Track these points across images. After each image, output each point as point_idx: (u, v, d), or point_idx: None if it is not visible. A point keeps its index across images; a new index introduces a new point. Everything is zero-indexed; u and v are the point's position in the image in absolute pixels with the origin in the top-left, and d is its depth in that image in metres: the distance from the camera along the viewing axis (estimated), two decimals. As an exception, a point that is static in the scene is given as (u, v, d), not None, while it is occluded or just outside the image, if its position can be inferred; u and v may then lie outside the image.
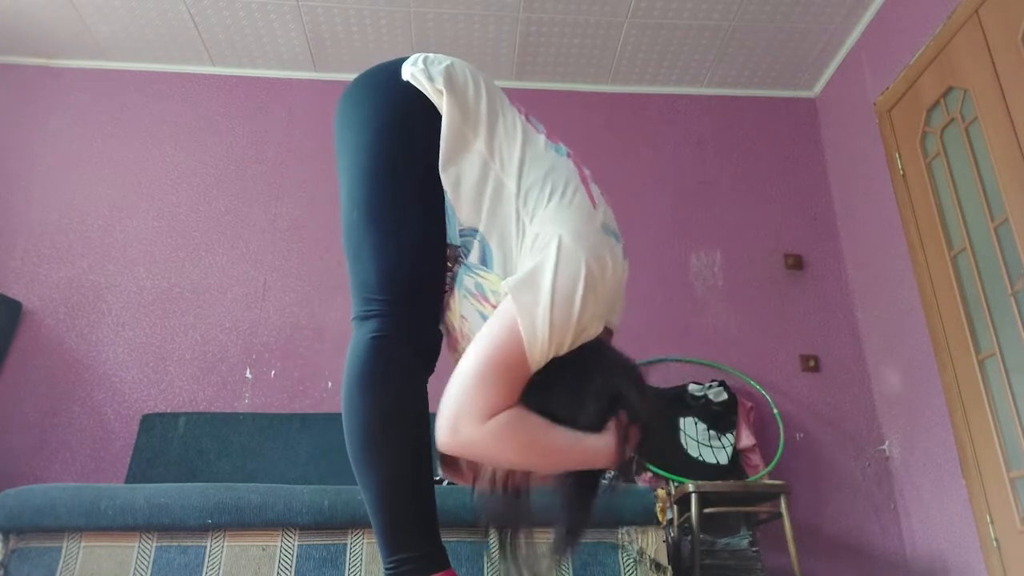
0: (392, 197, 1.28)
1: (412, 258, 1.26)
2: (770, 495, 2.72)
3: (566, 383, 1.16)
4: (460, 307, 1.29)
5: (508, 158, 1.26)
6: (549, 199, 1.22)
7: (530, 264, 1.15)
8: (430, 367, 1.29)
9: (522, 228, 1.22)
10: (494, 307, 1.21)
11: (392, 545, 1.18)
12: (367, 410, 1.20)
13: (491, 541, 2.11)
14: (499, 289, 1.21)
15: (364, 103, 1.36)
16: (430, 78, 1.30)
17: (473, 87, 1.32)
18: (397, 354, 1.22)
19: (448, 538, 2.09)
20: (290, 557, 2.05)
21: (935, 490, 2.90)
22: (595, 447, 1.15)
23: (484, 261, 1.26)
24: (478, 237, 1.26)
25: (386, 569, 1.20)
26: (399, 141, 1.29)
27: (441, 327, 1.36)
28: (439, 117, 1.28)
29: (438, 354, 1.32)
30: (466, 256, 1.29)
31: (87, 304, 3.25)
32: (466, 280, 1.28)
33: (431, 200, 1.27)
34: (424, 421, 1.24)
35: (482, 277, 1.26)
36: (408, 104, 1.30)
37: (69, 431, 3.04)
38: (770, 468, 3.01)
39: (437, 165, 1.26)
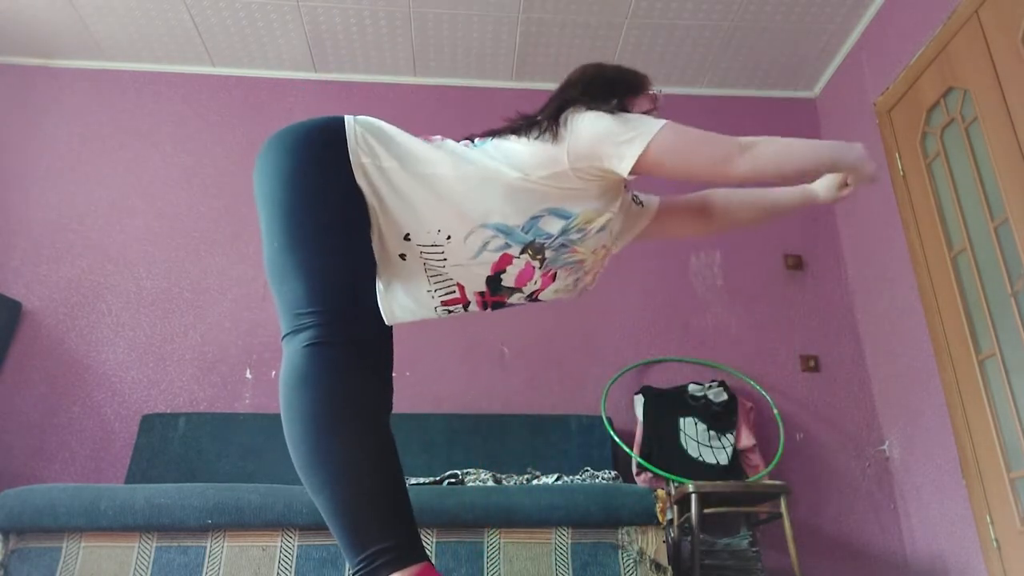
0: (310, 223, 1.30)
1: (338, 272, 1.28)
2: (770, 495, 2.72)
3: None
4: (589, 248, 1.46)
5: (465, 160, 1.38)
6: (501, 152, 1.40)
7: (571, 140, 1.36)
8: (374, 368, 1.28)
9: (529, 177, 1.37)
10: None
11: (356, 545, 1.13)
12: (305, 411, 1.18)
13: (491, 541, 2.11)
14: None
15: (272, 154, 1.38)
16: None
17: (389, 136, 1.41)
18: (332, 355, 1.21)
19: (448, 538, 2.09)
20: (290, 557, 2.05)
21: (935, 490, 2.90)
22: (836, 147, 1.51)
23: (562, 215, 1.39)
24: (536, 215, 1.37)
25: (355, 571, 1.13)
26: (313, 176, 1.33)
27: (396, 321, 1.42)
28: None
29: (380, 355, 1.31)
30: (549, 236, 1.39)
31: (87, 304, 3.25)
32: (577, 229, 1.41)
33: (350, 221, 1.32)
34: (371, 415, 1.21)
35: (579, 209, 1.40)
36: (317, 147, 1.35)
37: (69, 431, 3.04)
38: (770, 468, 3.01)
39: (352, 190, 1.32)
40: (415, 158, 1.37)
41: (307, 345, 1.22)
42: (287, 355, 1.25)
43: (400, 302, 1.46)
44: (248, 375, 3.19)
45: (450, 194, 1.35)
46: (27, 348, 3.15)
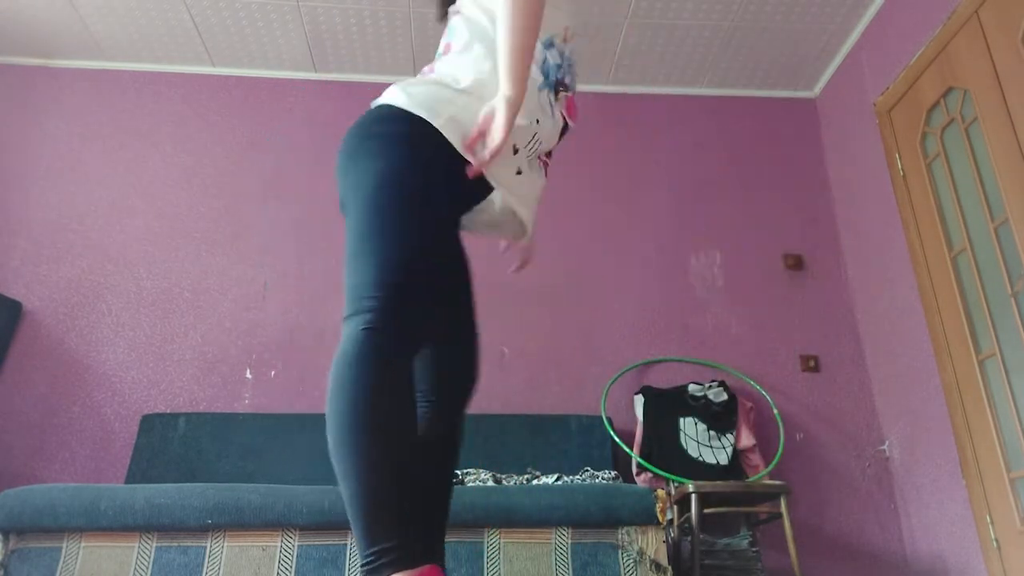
0: (389, 210, 1.28)
1: (409, 260, 1.26)
2: (770, 495, 2.72)
3: None
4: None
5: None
6: None
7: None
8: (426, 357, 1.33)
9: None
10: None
11: (367, 539, 1.13)
12: (344, 399, 1.17)
13: (491, 541, 2.11)
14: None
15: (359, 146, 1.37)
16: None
17: None
18: (387, 347, 1.20)
19: (448, 538, 2.09)
20: (290, 557, 2.05)
21: (935, 490, 2.90)
22: None
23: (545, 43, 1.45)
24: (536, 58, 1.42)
25: (364, 564, 1.13)
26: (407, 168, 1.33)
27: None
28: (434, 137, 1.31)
29: (440, 336, 1.36)
30: (558, 65, 1.46)
31: (87, 304, 3.25)
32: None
33: (432, 208, 1.29)
34: (404, 414, 1.21)
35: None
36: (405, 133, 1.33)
37: (69, 431, 3.04)
38: (770, 468, 3.01)
39: (435, 177, 1.30)
40: (462, 89, 1.36)
41: (364, 328, 1.20)
42: (346, 332, 1.22)
43: (525, 216, 1.47)
44: (248, 375, 3.19)
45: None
46: (27, 348, 3.15)
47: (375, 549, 1.12)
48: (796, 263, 3.53)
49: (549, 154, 1.53)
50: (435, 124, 1.29)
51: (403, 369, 1.22)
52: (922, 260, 2.99)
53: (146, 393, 3.13)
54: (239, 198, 3.51)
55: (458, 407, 1.43)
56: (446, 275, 1.36)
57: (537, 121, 1.39)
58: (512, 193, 1.41)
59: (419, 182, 1.28)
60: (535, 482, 2.63)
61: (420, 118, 1.29)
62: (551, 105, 1.43)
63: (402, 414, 1.20)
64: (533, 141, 1.40)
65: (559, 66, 1.43)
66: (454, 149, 1.29)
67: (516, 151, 1.38)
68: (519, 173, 1.40)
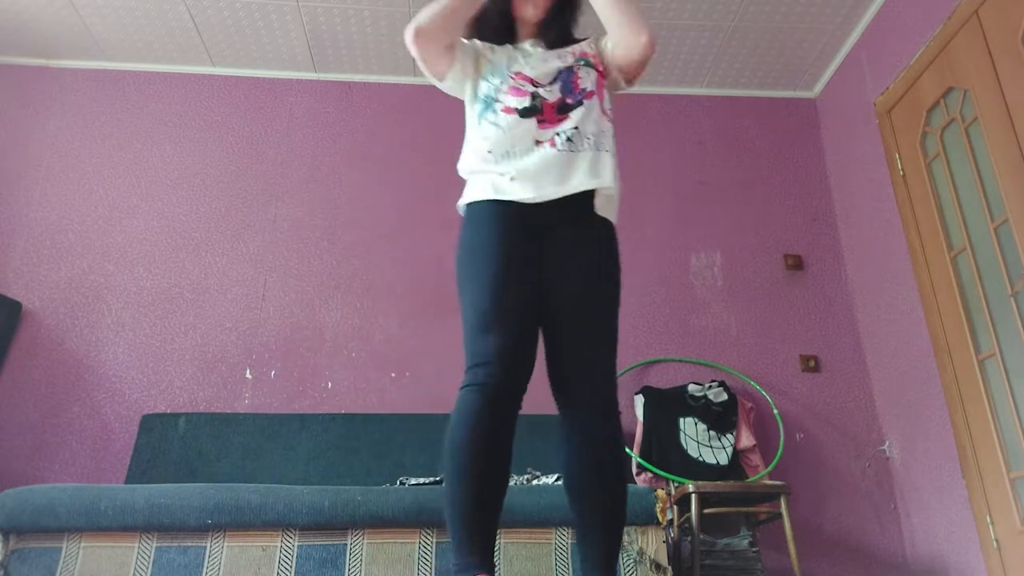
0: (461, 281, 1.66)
1: (475, 329, 1.57)
2: (770, 495, 2.72)
3: None
4: None
5: None
6: None
7: None
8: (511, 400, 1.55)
9: None
10: None
11: (454, 551, 1.41)
12: (449, 444, 1.46)
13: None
14: None
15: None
16: None
17: None
18: (470, 399, 1.48)
19: (447, 539, 2.09)
20: (290, 557, 2.05)
21: (935, 490, 2.90)
22: None
23: None
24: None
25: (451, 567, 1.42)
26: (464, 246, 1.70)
27: None
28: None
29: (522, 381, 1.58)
30: None
31: (87, 304, 3.25)
32: None
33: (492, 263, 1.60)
34: (486, 459, 1.45)
35: None
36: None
37: (69, 431, 3.04)
38: (770, 468, 3.01)
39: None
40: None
41: (461, 387, 1.50)
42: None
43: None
44: (248, 375, 3.19)
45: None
46: (27, 348, 3.15)
47: (455, 562, 1.42)
48: (796, 263, 3.53)
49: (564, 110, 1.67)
50: None
51: (485, 423, 1.49)
52: (922, 260, 2.99)
53: (146, 393, 3.13)
54: (239, 198, 3.51)
55: None
56: None
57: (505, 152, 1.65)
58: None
59: None
60: (535, 482, 2.63)
61: None
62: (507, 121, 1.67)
63: (483, 461, 1.48)
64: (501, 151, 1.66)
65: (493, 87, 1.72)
66: None
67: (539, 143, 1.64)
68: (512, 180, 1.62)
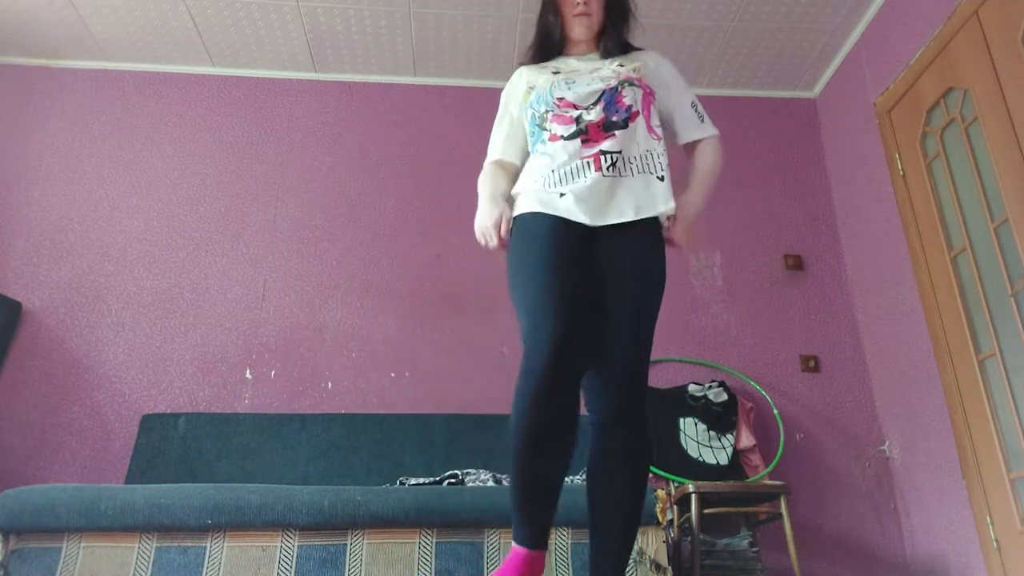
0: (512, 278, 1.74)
1: (527, 315, 1.61)
2: (770, 495, 2.72)
3: None
4: None
5: None
6: None
7: None
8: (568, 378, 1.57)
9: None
10: None
11: (514, 521, 1.53)
12: (511, 422, 1.51)
13: (490, 541, 2.11)
14: None
15: None
16: None
17: None
18: (525, 385, 1.52)
19: (448, 538, 2.09)
20: (290, 557, 2.05)
21: (935, 490, 2.90)
22: None
23: None
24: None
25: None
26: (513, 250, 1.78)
27: None
28: None
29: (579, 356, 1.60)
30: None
31: (87, 304, 3.25)
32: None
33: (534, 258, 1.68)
34: (541, 440, 1.51)
35: None
36: None
37: (69, 431, 3.04)
38: (770, 468, 3.01)
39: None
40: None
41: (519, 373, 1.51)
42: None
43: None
44: (248, 375, 3.19)
45: None
46: (27, 348, 3.15)
47: (514, 530, 1.56)
48: (796, 263, 3.53)
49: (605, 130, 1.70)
50: None
51: (541, 407, 1.54)
52: (922, 260, 2.99)
53: (146, 393, 3.13)
54: (239, 198, 3.51)
55: None
56: None
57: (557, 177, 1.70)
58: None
59: None
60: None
61: None
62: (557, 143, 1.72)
63: (537, 442, 1.54)
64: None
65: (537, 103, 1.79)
66: None
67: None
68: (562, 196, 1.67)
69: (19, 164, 3.48)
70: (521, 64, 1.92)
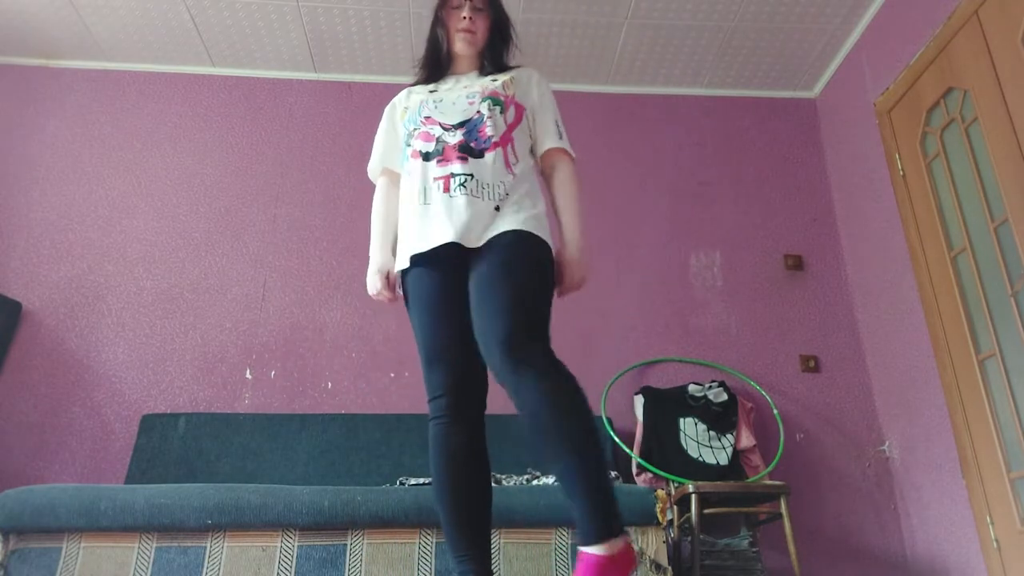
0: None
1: (425, 365, 1.72)
2: (770, 495, 2.72)
3: None
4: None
5: None
6: None
7: None
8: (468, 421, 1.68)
9: None
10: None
11: (450, 551, 1.60)
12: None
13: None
14: None
15: None
16: None
17: None
18: (433, 431, 1.67)
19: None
20: (290, 558, 2.05)
21: (935, 490, 2.90)
22: None
23: None
24: None
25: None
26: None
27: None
28: None
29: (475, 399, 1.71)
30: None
31: (87, 304, 3.25)
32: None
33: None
34: (455, 476, 1.62)
35: None
36: None
37: (69, 432, 3.04)
38: (770, 469, 3.01)
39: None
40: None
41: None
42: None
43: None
44: (248, 375, 3.19)
45: None
46: (27, 348, 3.15)
47: (453, 557, 1.60)
48: (796, 263, 3.53)
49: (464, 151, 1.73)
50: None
51: (447, 444, 1.65)
52: (922, 260, 2.99)
53: (146, 393, 3.13)
54: (239, 198, 3.51)
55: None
56: None
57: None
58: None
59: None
60: (535, 482, 2.63)
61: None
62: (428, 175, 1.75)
63: (452, 479, 1.65)
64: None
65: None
66: None
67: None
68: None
69: (19, 164, 3.48)
70: (409, 85, 1.99)
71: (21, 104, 3.60)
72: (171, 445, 2.93)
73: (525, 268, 1.59)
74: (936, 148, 2.95)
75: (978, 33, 2.70)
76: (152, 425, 2.97)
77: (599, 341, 3.33)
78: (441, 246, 1.62)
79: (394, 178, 1.93)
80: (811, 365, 3.35)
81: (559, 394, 1.44)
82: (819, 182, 3.73)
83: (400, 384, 3.22)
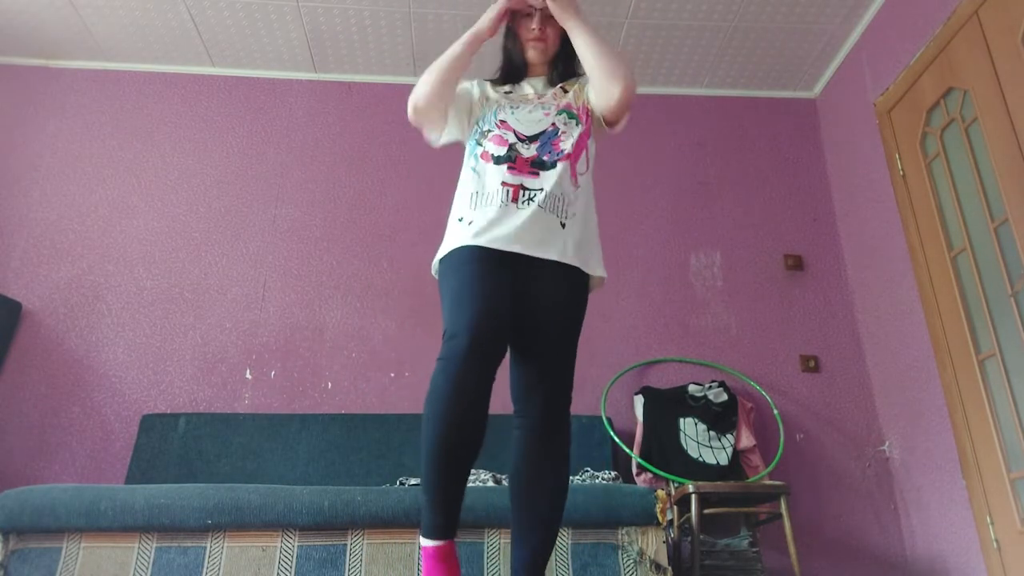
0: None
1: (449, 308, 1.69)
2: (770, 496, 2.72)
3: None
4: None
5: None
6: None
7: None
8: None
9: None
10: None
11: (424, 510, 1.55)
12: (425, 404, 1.57)
13: (491, 541, 2.11)
14: None
15: None
16: None
17: None
18: (443, 367, 1.58)
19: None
20: (290, 558, 2.05)
21: (935, 491, 2.90)
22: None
23: None
24: None
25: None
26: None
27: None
28: None
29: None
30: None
31: (87, 304, 3.25)
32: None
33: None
34: (453, 424, 1.55)
35: None
36: None
37: (69, 432, 3.04)
38: (770, 469, 3.01)
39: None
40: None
41: (437, 359, 1.55)
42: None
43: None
44: (248, 375, 3.19)
45: None
46: (27, 348, 3.15)
47: (423, 523, 1.56)
48: (796, 263, 3.53)
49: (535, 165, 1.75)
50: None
51: (458, 386, 1.59)
52: (922, 260, 2.99)
53: (146, 393, 3.13)
54: (239, 198, 3.51)
55: None
56: None
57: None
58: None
59: None
60: (535, 482, 2.63)
61: None
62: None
63: (450, 422, 1.57)
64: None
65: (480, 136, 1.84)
66: None
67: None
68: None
69: (19, 164, 3.48)
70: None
71: (21, 104, 3.60)
72: (171, 445, 2.93)
73: (577, 327, 1.75)
74: (936, 148, 2.95)
75: (978, 33, 2.70)
76: (152, 425, 2.97)
77: (599, 341, 3.33)
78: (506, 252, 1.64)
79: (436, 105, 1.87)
80: (811, 365, 3.35)
81: (565, 466, 1.66)
82: (819, 182, 3.73)
83: (400, 384, 3.22)
